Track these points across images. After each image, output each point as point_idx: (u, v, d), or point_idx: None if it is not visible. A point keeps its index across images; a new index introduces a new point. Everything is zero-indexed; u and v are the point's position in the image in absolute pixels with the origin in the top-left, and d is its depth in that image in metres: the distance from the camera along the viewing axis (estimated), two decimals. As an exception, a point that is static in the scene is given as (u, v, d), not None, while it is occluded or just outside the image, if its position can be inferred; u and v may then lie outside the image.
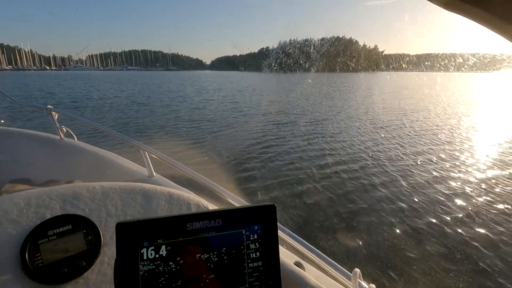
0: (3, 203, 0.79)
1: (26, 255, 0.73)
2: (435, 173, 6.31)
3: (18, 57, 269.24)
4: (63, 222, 0.80)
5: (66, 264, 0.76)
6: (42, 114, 2.69)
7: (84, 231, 0.82)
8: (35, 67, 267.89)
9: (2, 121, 2.92)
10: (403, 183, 5.71)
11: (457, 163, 7.05)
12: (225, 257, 0.53)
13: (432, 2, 0.32)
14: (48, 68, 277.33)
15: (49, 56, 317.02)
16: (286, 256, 1.08)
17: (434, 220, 4.34)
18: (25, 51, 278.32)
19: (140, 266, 0.48)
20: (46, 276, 0.73)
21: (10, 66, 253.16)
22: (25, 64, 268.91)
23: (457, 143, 9.10)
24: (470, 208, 4.71)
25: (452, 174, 6.29)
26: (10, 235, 0.75)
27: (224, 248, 0.53)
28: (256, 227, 0.55)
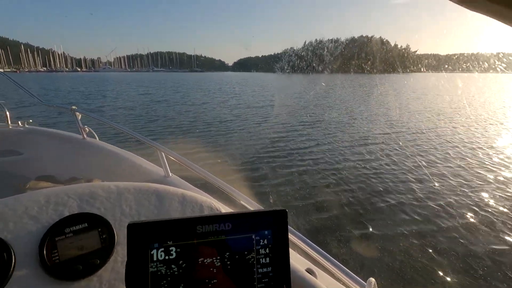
0: (24, 200, 0.82)
1: (44, 251, 0.75)
2: (462, 179, 5.88)
3: (52, 59, 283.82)
4: (79, 220, 0.82)
5: (81, 261, 0.78)
6: (67, 114, 2.80)
7: (99, 229, 0.83)
8: (67, 69, 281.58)
9: (31, 120, 3.08)
10: (425, 190, 5.34)
11: (490, 170, 6.54)
12: (234, 262, 0.53)
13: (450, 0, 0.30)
14: (79, 69, 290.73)
15: (80, 58, 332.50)
16: (297, 262, 1.07)
17: (460, 232, 4.01)
18: (58, 54, 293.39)
19: (150, 267, 0.48)
20: (62, 272, 0.75)
21: (45, 68, 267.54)
22: (58, 66, 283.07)
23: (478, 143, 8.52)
24: (502, 222, 4.30)
25: (483, 181, 5.80)
26: (30, 231, 0.77)
27: (233, 252, 0.53)
28: (266, 232, 0.55)
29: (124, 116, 14.24)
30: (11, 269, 0.71)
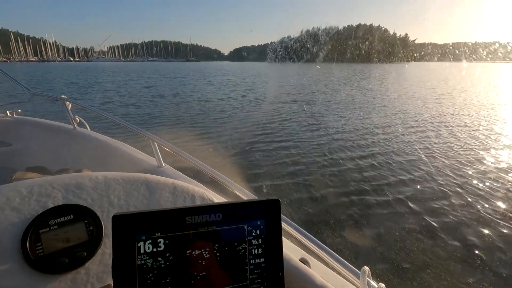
0: (6, 191, 0.79)
1: (27, 244, 0.73)
2: (453, 165, 5.93)
3: (43, 49, 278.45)
4: (64, 211, 0.80)
5: (66, 254, 0.76)
6: (57, 104, 2.72)
7: (86, 221, 0.81)
8: (59, 58, 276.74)
9: (19, 110, 3.00)
10: (419, 177, 5.33)
11: (483, 161, 6.49)
12: (225, 253, 0.52)
13: None
14: (72, 59, 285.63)
15: (73, 48, 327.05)
16: (291, 251, 1.06)
17: (454, 220, 4.03)
18: (49, 43, 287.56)
19: (137, 259, 0.47)
20: (46, 266, 0.73)
21: (36, 58, 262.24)
22: (50, 55, 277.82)
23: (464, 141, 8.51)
24: (497, 210, 4.27)
25: (480, 170, 5.77)
26: (12, 223, 0.75)
27: (224, 243, 0.52)
28: (258, 222, 0.54)
29: (137, 116, 11.58)
30: None
